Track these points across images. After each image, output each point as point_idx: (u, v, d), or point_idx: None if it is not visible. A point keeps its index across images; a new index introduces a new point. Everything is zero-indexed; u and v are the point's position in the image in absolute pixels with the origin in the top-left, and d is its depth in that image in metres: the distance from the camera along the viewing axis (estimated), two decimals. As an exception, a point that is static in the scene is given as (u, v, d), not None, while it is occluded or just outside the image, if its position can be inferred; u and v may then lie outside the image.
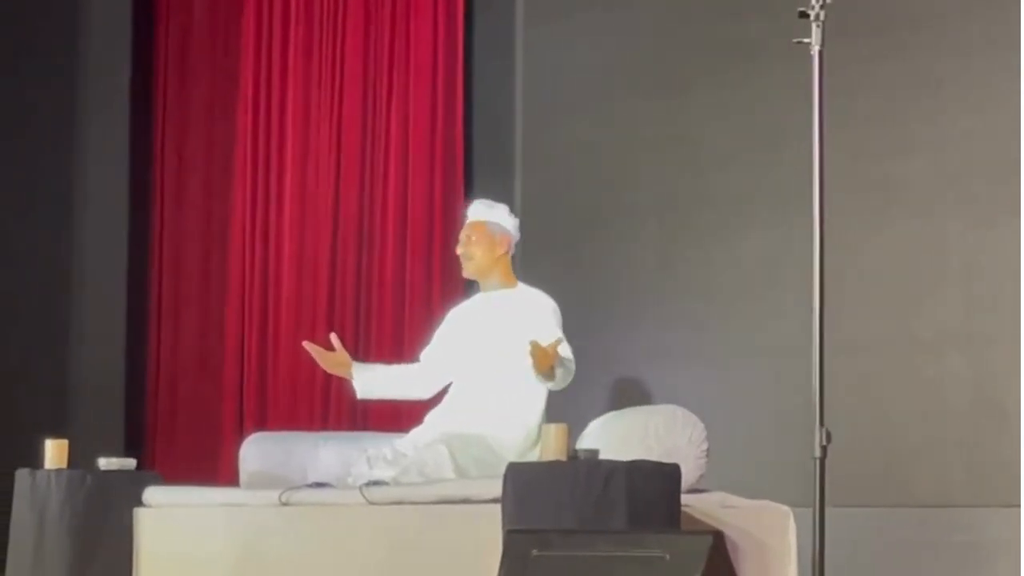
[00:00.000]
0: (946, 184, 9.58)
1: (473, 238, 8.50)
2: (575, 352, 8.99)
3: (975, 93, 9.52)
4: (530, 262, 10.90)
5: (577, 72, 11.00)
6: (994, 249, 9.43)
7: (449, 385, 8.59)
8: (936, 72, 9.62)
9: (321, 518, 7.67)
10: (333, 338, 8.38)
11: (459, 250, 8.63)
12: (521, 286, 8.75)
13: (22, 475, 8.34)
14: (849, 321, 8.63)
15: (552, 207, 11.11)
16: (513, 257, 8.86)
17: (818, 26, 4.63)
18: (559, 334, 8.20)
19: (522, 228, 10.95)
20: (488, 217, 8.56)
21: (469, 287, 9.12)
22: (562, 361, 7.95)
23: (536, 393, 8.16)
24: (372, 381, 8.45)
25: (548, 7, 11.22)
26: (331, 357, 8.32)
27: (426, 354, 8.77)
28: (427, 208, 11.22)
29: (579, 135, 10.95)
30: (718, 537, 5.77)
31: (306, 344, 8.34)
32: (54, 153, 12.53)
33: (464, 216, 8.87)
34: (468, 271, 8.61)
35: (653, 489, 6.62)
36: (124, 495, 8.20)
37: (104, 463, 8.41)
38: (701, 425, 7.63)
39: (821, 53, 4.65)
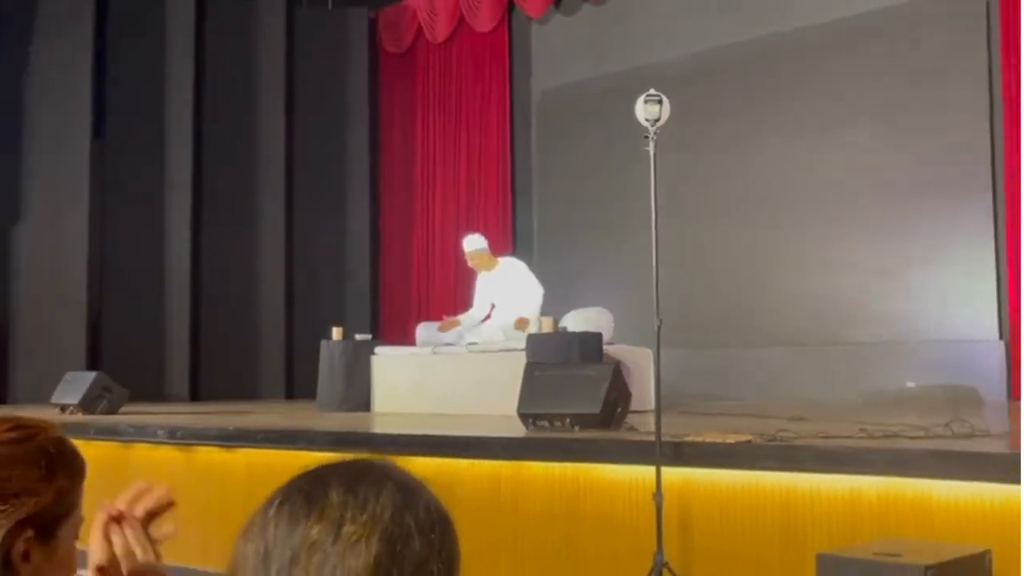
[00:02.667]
0: (723, 210, 9.41)
1: (475, 258, 8.21)
2: (567, 280, 9.25)
3: (741, 165, 9.37)
4: (546, 252, 10.83)
5: (557, 163, 10.75)
6: (754, 245, 9.25)
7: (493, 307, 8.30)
8: (712, 162, 9.44)
9: (449, 359, 7.76)
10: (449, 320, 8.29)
11: (470, 264, 8.33)
12: (500, 260, 8.45)
13: (324, 343, 8.41)
14: (663, 268, 8.42)
15: (553, 225, 10.82)
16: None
17: (653, 141, 4.54)
18: (534, 283, 8.12)
19: (539, 236, 11.02)
20: (478, 246, 8.24)
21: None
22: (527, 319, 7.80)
23: (533, 307, 7.81)
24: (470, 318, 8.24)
25: (549, 134, 10.96)
26: (451, 324, 8.14)
27: (476, 300, 8.36)
28: (499, 225, 11.00)
29: (558, 193, 10.66)
30: (618, 365, 5.83)
31: (443, 323, 8.27)
32: (336, 176, 12.00)
33: (463, 247, 8.41)
34: (479, 270, 8.29)
35: (590, 344, 6.69)
36: (367, 351, 8.16)
37: (359, 336, 8.52)
38: (611, 315, 7.75)
39: (655, 156, 4.54)
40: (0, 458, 1.36)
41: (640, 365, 7.14)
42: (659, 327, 4.74)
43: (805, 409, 7.06)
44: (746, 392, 8.71)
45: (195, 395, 10.98)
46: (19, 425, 1.44)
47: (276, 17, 11.88)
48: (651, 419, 6.11)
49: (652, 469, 4.23)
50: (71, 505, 1.42)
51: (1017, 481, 3.77)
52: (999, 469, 3.85)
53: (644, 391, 7.00)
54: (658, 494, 4.17)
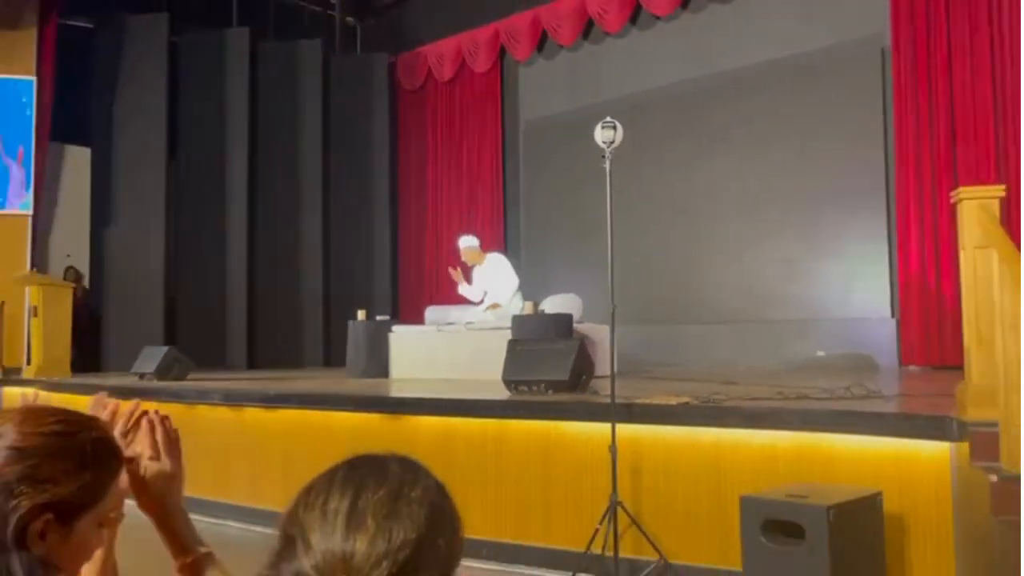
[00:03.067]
0: (672, 214, 9.30)
1: (467, 253, 7.93)
2: (547, 271, 9.10)
3: (685, 178, 9.25)
4: (530, 249, 10.69)
5: (539, 178, 10.66)
6: (697, 242, 9.14)
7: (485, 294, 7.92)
8: (662, 175, 9.30)
9: (451, 335, 7.54)
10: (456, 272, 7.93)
11: (463, 259, 8.03)
12: (488, 256, 8.12)
13: (351, 323, 8.17)
14: (623, 261, 8.32)
15: (536, 228, 10.66)
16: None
17: (608, 159, 4.45)
18: (510, 275, 7.86)
19: (525, 236, 10.79)
20: (469, 244, 8.00)
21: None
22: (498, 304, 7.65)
23: (506, 294, 7.64)
24: (466, 291, 7.97)
25: (533, 155, 10.86)
26: (458, 275, 7.86)
27: (474, 288, 7.97)
28: (493, 228, 10.87)
29: (540, 202, 10.53)
30: (583, 340, 5.72)
31: (453, 271, 7.98)
32: (364, 188, 11.93)
33: (459, 244, 8.16)
34: (471, 264, 7.99)
35: (562, 324, 6.55)
36: (386, 329, 7.91)
37: (379, 317, 8.28)
38: (580, 300, 7.52)
39: (610, 172, 4.45)
40: (37, 447, 1.27)
41: (603, 340, 6.98)
42: (613, 311, 4.70)
43: (737, 374, 7.04)
44: (690, 359, 8.65)
45: (252, 364, 10.86)
46: (67, 420, 1.35)
47: (315, 61, 11.75)
48: (606, 385, 6.11)
49: (608, 425, 4.17)
50: (96, 498, 1.32)
51: (903, 435, 3.72)
52: (889, 425, 3.79)
53: (606, 361, 6.92)
54: (613, 446, 4.12)
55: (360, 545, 0.95)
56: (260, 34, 11.55)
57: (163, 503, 1.51)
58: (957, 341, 3.45)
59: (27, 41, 10.30)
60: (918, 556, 3.62)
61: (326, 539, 0.96)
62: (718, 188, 9.00)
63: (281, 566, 1.00)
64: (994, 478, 3.15)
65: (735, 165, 8.89)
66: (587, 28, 10.18)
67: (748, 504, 3.47)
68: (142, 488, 1.51)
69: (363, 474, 1.00)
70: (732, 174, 8.90)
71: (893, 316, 7.89)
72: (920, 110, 7.64)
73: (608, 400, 4.27)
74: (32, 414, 1.32)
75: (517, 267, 8.11)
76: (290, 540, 1.00)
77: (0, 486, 1.22)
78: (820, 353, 8.11)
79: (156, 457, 1.55)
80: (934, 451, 3.61)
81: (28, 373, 9.08)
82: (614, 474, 4.09)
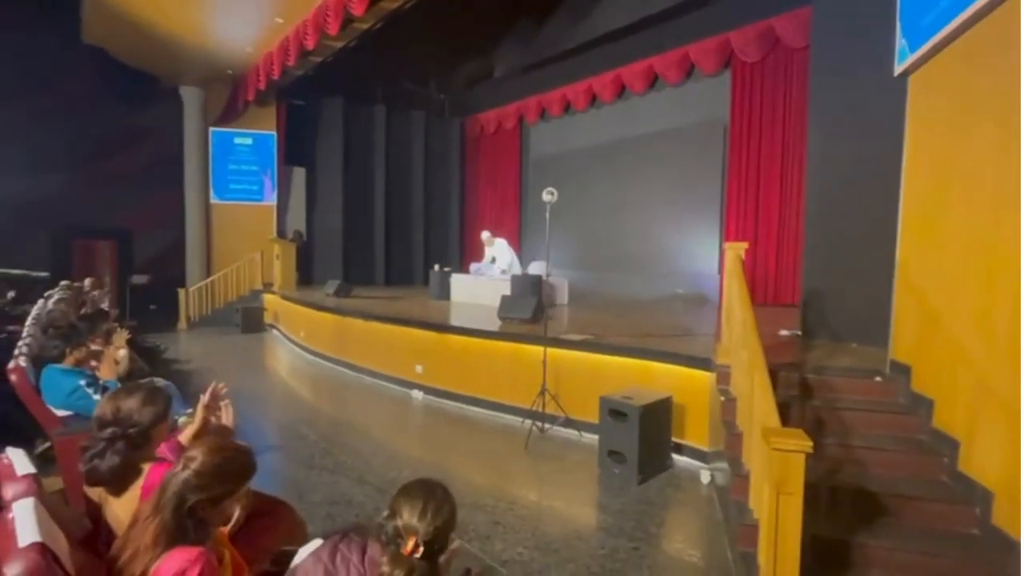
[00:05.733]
0: (604, 210, 8.83)
1: (488, 242, 7.11)
2: (536, 247, 8.65)
3: (613, 191, 8.80)
4: (529, 232, 10.36)
5: (538, 192, 10.26)
6: (618, 226, 8.66)
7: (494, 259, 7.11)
8: (600, 189, 8.87)
9: (481, 281, 7.21)
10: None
11: (483, 241, 7.19)
12: (496, 240, 7.18)
13: (432, 272, 7.86)
14: (578, 235, 8.05)
15: (534, 220, 10.30)
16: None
17: (549, 209, 4.28)
18: (508, 251, 6.98)
19: (529, 225, 10.24)
20: (486, 235, 7.20)
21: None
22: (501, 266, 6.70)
23: (506, 263, 6.97)
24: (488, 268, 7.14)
25: (536, 179, 10.40)
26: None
27: (487, 257, 7.17)
28: (513, 220, 10.58)
29: (537, 207, 9.99)
30: (541, 295, 5.57)
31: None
32: (446, 196, 11.52)
33: (482, 236, 7.33)
34: (487, 244, 7.19)
35: (535, 280, 6.34)
36: (448, 273, 7.64)
37: (445, 269, 7.97)
38: (546, 263, 6.94)
39: (549, 216, 4.27)
40: (210, 466, 1.28)
41: (560, 284, 6.90)
42: (548, 274, 4.85)
43: (629, 304, 6.92)
44: (609, 290, 8.44)
45: (387, 282, 10.89)
46: (234, 449, 1.31)
47: (420, 122, 11.36)
48: (562, 312, 6.04)
49: (541, 348, 4.23)
50: (234, 491, 1.30)
51: (689, 366, 3.74)
52: (683, 360, 3.79)
53: (559, 297, 6.92)
54: (544, 359, 4.19)
55: (420, 523, 1.16)
56: (391, 107, 11.14)
57: None
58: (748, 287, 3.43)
59: (271, 113, 10.21)
60: (689, 429, 3.72)
61: (408, 516, 1.17)
62: (629, 197, 8.62)
63: (387, 523, 1.18)
64: (723, 398, 3.22)
65: (642, 186, 8.45)
66: (566, 107, 9.65)
67: (603, 401, 3.59)
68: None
69: (427, 490, 1.18)
70: (640, 190, 8.48)
71: (718, 272, 7.67)
72: (742, 163, 7.25)
73: (543, 335, 4.33)
74: (212, 446, 1.31)
75: (523, 241, 7.91)
76: (393, 512, 1.19)
77: (187, 487, 1.27)
78: (679, 291, 7.97)
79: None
80: (702, 376, 3.67)
81: (276, 287, 9.28)
82: (544, 373, 4.19)
